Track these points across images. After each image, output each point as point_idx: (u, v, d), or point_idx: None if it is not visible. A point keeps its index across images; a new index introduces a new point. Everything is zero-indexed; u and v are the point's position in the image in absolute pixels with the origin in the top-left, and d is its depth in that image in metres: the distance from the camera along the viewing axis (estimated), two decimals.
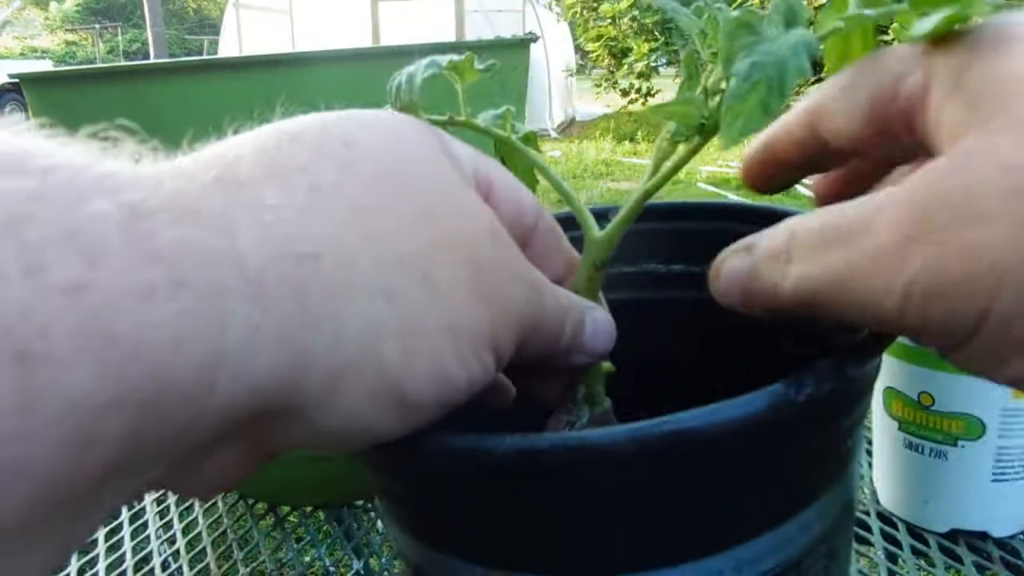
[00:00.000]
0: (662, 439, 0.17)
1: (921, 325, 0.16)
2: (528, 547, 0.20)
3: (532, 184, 0.27)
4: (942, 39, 0.18)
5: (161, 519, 0.49)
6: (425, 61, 0.23)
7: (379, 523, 0.47)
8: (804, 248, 0.18)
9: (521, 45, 0.43)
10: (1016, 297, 0.15)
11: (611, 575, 0.20)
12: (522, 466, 0.18)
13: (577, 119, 7.38)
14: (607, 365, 0.25)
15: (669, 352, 0.31)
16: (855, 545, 0.39)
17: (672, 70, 7.20)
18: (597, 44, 6.75)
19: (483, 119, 0.25)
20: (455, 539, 0.22)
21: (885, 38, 0.21)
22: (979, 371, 0.17)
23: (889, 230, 0.16)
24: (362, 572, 0.44)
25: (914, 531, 0.42)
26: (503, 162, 0.26)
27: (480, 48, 0.41)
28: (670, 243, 0.32)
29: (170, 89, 0.36)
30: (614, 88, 6.74)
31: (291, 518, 0.49)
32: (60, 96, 0.39)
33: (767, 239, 0.19)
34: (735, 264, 0.20)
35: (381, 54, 0.39)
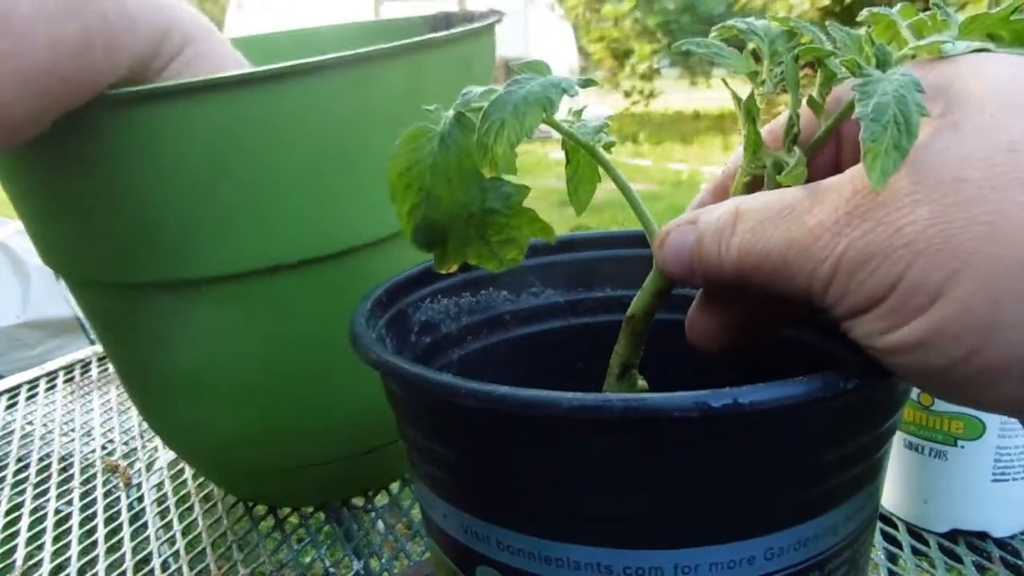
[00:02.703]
0: (724, 407, 0.18)
1: (844, 291, 0.18)
2: (576, 515, 0.21)
3: (590, 188, 0.27)
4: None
5: (161, 520, 0.50)
6: (532, 86, 0.21)
7: (379, 524, 0.47)
8: (749, 223, 0.20)
9: (487, 30, 0.41)
10: (923, 269, 0.16)
11: (650, 549, 0.20)
12: (588, 422, 0.19)
13: None
14: (642, 383, 0.26)
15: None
16: None
17: (674, 71, 7.19)
18: (599, 45, 6.75)
19: (577, 128, 0.25)
20: (509, 507, 0.22)
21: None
22: (867, 335, 0.18)
23: (830, 209, 0.18)
24: (362, 573, 0.44)
25: (914, 531, 0.42)
26: (568, 161, 0.27)
27: (448, 41, 0.38)
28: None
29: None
30: (616, 89, 6.74)
31: (291, 519, 0.49)
32: None
33: (713, 213, 0.21)
34: (680, 235, 0.22)
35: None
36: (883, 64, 0.20)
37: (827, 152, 0.23)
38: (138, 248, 0.36)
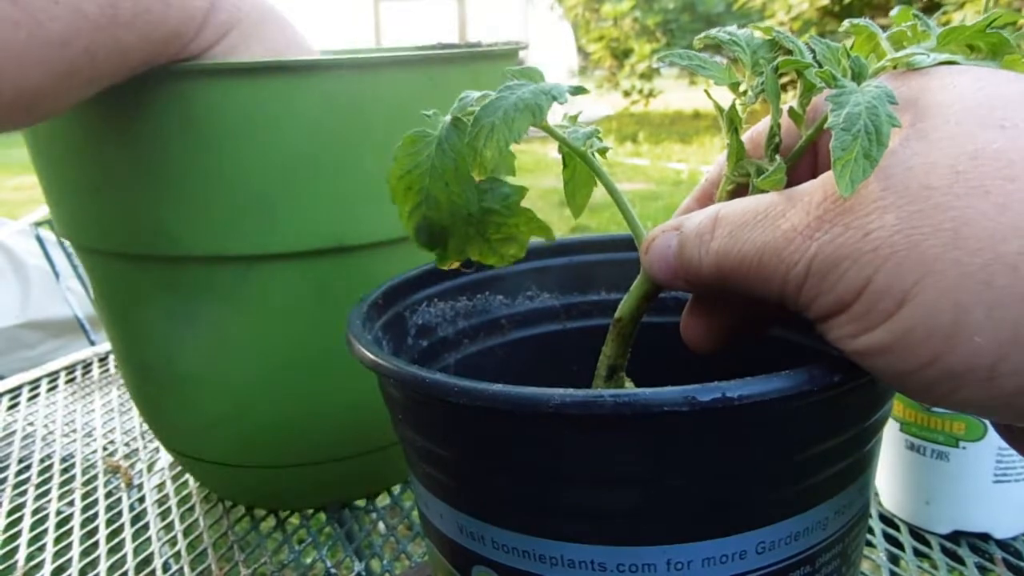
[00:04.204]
0: (713, 400, 0.18)
1: (815, 294, 0.18)
2: (569, 513, 0.21)
3: (587, 192, 0.27)
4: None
5: (163, 520, 0.50)
6: (522, 92, 0.22)
7: (381, 525, 0.47)
8: (726, 228, 0.20)
9: (510, 53, 0.43)
10: (890, 274, 0.17)
11: (643, 545, 0.21)
12: (579, 418, 0.19)
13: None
14: (629, 385, 0.26)
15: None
16: None
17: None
18: (599, 45, 6.76)
19: (570, 133, 0.25)
20: (503, 506, 0.22)
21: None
22: (839, 339, 0.18)
23: (802, 213, 0.18)
24: (363, 574, 0.44)
25: (916, 533, 0.41)
26: (565, 165, 0.27)
27: (471, 57, 0.40)
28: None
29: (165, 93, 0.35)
30: (616, 89, 6.74)
31: (292, 520, 0.49)
32: None
33: (695, 219, 0.21)
34: (664, 240, 0.22)
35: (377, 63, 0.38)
36: (858, 76, 0.20)
37: (806, 162, 0.23)
38: (174, 222, 0.37)
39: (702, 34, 0.23)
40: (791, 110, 0.22)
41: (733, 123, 0.23)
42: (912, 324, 0.17)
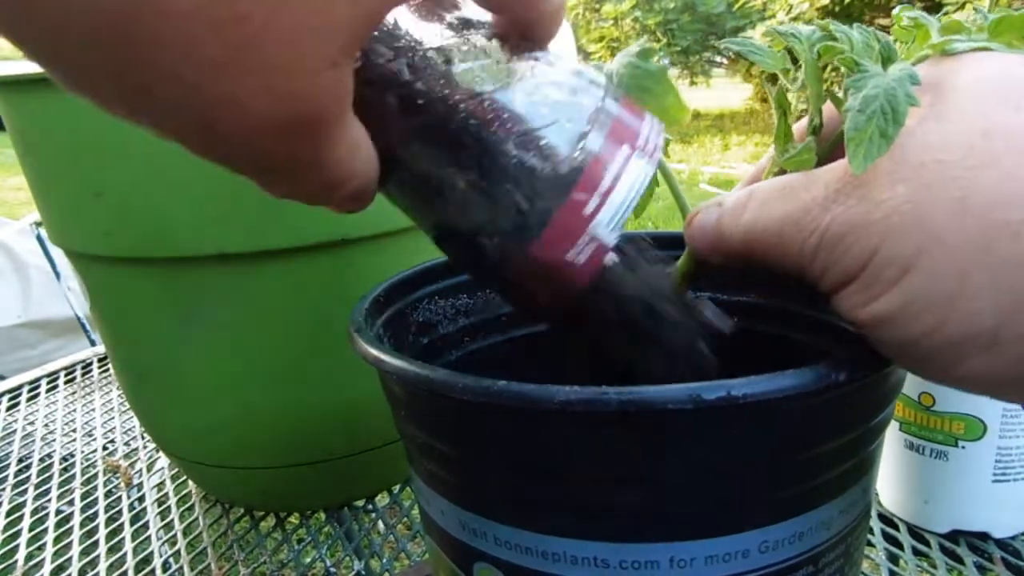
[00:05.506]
0: (718, 399, 0.18)
1: (828, 263, 0.19)
2: (572, 509, 0.21)
3: (649, 190, 0.27)
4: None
5: (162, 520, 0.50)
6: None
7: (380, 524, 0.47)
8: (757, 202, 0.21)
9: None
10: (896, 242, 0.17)
11: (646, 542, 0.21)
12: (584, 415, 0.19)
13: None
14: None
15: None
16: None
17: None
18: (599, 45, 6.76)
19: None
20: (506, 502, 0.22)
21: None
22: (849, 309, 0.19)
23: (822, 186, 0.19)
24: (363, 573, 0.44)
25: (915, 532, 0.42)
26: None
27: None
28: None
29: None
30: None
31: (292, 519, 0.49)
32: (33, 101, 0.38)
33: (735, 195, 0.22)
34: (706, 214, 0.23)
35: None
36: (887, 62, 0.21)
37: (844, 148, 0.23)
38: (174, 223, 0.37)
39: (765, 31, 0.24)
40: (832, 95, 0.22)
41: (782, 107, 0.23)
42: (914, 291, 0.17)
